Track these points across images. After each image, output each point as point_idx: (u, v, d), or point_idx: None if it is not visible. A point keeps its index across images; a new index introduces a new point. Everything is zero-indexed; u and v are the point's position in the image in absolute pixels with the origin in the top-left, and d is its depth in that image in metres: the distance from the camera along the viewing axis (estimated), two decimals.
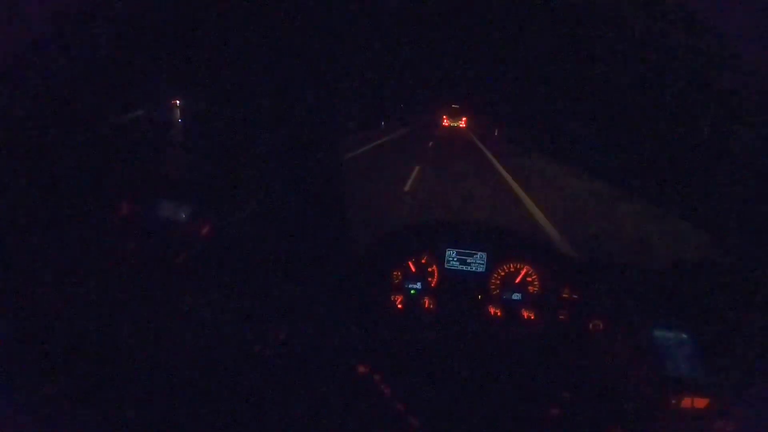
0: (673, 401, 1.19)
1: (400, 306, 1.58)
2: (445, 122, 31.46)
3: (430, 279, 1.62)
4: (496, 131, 24.08)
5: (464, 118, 31.80)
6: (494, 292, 1.60)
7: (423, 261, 1.61)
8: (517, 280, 1.59)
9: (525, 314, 1.55)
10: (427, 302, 1.58)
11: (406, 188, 7.09)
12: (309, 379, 1.25)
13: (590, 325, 1.46)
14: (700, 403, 1.19)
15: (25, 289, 1.12)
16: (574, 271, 1.58)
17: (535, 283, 1.59)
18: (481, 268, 1.60)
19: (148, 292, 1.32)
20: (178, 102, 1.76)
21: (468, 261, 1.61)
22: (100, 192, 1.37)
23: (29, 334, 1.08)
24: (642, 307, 1.42)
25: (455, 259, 1.61)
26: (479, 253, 1.60)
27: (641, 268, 1.62)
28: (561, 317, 1.52)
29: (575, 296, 1.53)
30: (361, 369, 1.25)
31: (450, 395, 1.28)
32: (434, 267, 1.61)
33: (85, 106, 1.33)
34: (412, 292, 1.60)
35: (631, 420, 1.21)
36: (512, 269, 1.60)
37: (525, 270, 1.59)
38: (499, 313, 1.56)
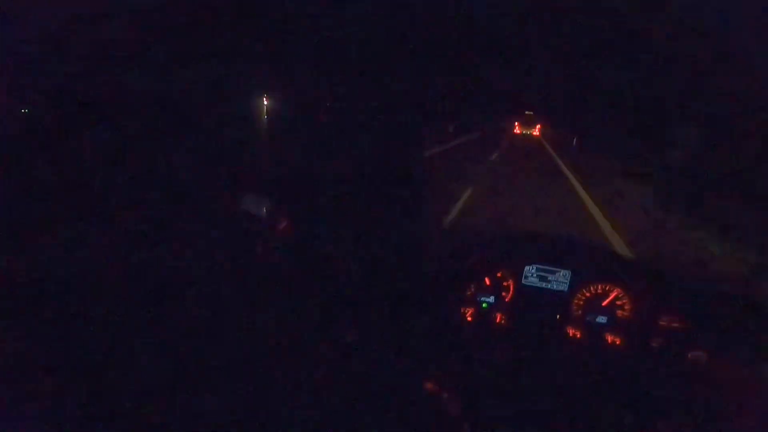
0: None
1: (469, 319, 1.50)
2: (517, 129, 30.29)
3: (504, 294, 1.53)
4: (574, 141, 22.66)
5: (538, 126, 30.41)
6: (576, 313, 1.48)
7: (498, 275, 1.53)
8: (605, 303, 1.46)
9: (610, 339, 1.42)
10: (498, 317, 1.49)
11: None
12: (373, 389, 1.21)
13: (688, 356, 1.31)
14: None
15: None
16: (679, 298, 1.40)
17: (626, 307, 1.44)
18: (563, 287, 1.49)
19: (224, 281, 1.37)
20: (265, 99, 1.84)
21: (549, 278, 1.50)
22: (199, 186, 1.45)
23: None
24: (748, 338, 1.26)
25: (534, 276, 1.51)
26: (563, 271, 1.49)
27: (746, 296, 1.41)
28: (654, 345, 1.37)
29: (676, 325, 1.37)
30: (429, 386, 1.19)
31: (521, 421, 1.17)
32: (510, 282, 1.53)
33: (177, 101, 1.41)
34: (483, 305, 1.53)
35: None
36: (599, 291, 1.47)
37: (615, 293, 1.45)
38: (578, 335, 1.44)
